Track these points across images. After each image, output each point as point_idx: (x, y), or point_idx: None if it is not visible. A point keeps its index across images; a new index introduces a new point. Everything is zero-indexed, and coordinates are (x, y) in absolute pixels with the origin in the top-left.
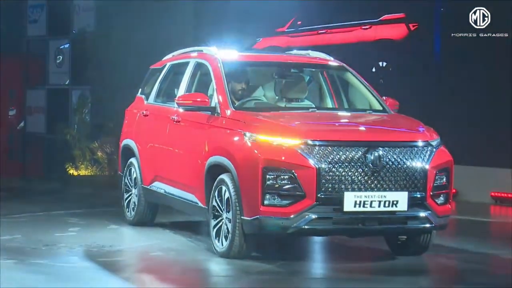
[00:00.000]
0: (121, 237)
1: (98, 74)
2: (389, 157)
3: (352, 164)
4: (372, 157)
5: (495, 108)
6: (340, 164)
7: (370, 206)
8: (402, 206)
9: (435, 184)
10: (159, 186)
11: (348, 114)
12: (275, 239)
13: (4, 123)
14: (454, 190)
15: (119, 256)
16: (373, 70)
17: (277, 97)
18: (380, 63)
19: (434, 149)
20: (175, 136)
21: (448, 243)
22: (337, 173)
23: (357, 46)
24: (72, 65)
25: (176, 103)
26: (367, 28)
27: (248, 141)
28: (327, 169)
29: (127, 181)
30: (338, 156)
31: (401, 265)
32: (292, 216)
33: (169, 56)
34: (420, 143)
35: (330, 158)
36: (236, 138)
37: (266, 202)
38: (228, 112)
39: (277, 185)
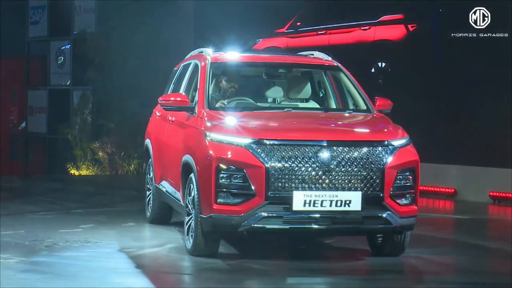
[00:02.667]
0: (122, 237)
1: (99, 75)
2: (342, 156)
3: (303, 163)
4: (323, 157)
5: (495, 108)
6: (290, 163)
7: (321, 205)
8: (356, 206)
9: (396, 184)
10: (163, 185)
11: (322, 114)
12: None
13: (5, 124)
14: (452, 190)
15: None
16: (372, 70)
17: (269, 97)
18: (379, 64)
19: (396, 149)
20: (169, 135)
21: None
22: (287, 172)
23: (356, 47)
24: (73, 66)
25: (159, 102)
26: (366, 29)
27: (207, 140)
28: (276, 168)
29: (148, 180)
30: (289, 155)
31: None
32: (242, 214)
33: (187, 56)
34: (377, 143)
35: (280, 157)
36: (199, 138)
37: (219, 200)
38: (202, 112)
39: (229, 184)
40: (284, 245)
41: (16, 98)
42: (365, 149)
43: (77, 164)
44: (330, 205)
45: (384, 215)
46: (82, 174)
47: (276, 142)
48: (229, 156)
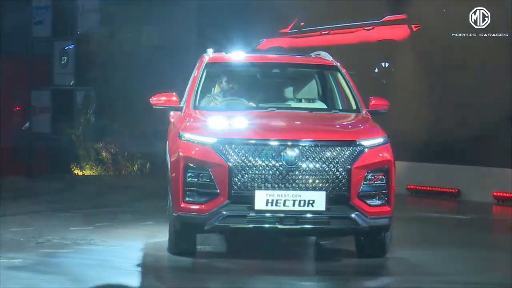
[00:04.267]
0: (126, 236)
1: (102, 75)
2: (306, 156)
3: (266, 163)
4: (287, 156)
5: (500, 109)
6: (253, 163)
7: (284, 205)
8: (319, 206)
9: (365, 185)
10: None
11: (304, 114)
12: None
13: (9, 124)
14: (456, 190)
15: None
16: (376, 70)
17: (268, 97)
18: (383, 64)
19: (365, 149)
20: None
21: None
22: (250, 171)
23: (359, 47)
24: (76, 66)
25: (150, 102)
26: (369, 29)
27: (180, 140)
28: (239, 167)
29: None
30: (252, 154)
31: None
32: (207, 213)
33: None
34: (344, 143)
35: (244, 156)
36: (175, 138)
37: (186, 199)
38: (186, 112)
39: (196, 183)
40: (276, 245)
41: (20, 98)
42: (330, 149)
43: (81, 164)
44: (293, 205)
45: (351, 216)
46: (85, 174)
47: (239, 142)
48: (196, 155)
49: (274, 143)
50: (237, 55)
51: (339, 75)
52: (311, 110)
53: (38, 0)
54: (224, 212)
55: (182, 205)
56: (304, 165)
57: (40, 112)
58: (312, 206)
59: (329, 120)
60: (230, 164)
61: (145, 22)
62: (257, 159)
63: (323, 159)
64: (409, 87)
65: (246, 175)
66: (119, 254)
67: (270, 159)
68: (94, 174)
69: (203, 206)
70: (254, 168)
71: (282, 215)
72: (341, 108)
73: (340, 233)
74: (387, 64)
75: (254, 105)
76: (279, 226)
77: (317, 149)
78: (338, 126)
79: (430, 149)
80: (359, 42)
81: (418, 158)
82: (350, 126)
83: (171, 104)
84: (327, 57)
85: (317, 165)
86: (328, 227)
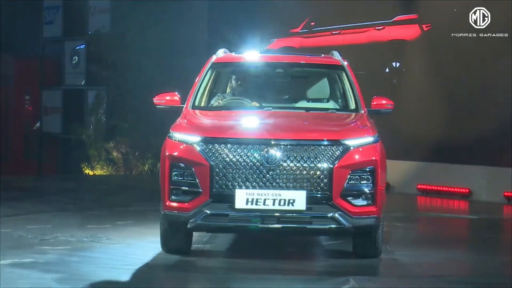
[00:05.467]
0: (135, 236)
1: (113, 75)
2: (287, 155)
3: (247, 161)
4: (268, 156)
5: (510, 108)
6: (234, 162)
7: (264, 204)
8: (300, 205)
9: (349, 184)
10: None
11: (298, 113)
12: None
13: (20, 124)
14: (467, 190)
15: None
16: (387, 70)
17: (273, 97)
18: (394, 64)
19: (349, 149)
20: None
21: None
22: (231, 170)
23: (370, 47)
24: (87, 66)
25: (154, 102)
26: (380, 29)
27: (168, 138)
28: (220, 166)
29: None
30: (233, 153)
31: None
32: (190, 212)
33: None
34: (326, 142)
35: (225, 155)
36: (166, 136)
37: (172, 197)
38: (184, 111)
39: (180, 181)
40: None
41: (31, 98)
42: (311, 149)
43: (92, 164)
44: (273, 204)
45: (332, 215)
46: (96, 174)
47: (220, 140)
48: (180, 154)
49: (255, 142)
50: (245, 55)
51: (344, 74)
52: (308, 109)
53: (48, 0)
54: (206, 211)
55: (167, 203)
56: (284, 164)
57: (51, 112)
58: (293, 205)
59: (319, 119)
60: (212, 163)
61: (156, 22)
62: (237, 158)
63: (304, 158)
64: (420, 87)
65: (227, 174)
66: (134, 254)
67: (251, 158)
68: (105, 174)
69: (187, 204)
70: (235, 167)
71: (264, 214)
72: (340, 107)
73: (323, 233)
74: (398, 64)
75: (258, 105)
76: (260, 225)
77: (298, 148)
78: (324, 125)
79: (441, 149)
80: (370, 42)
81: (429, 157)
82: (337, 126)
83: (173, 104)
84: (336, 56)
85: (298, 165)
86: (310, 227)
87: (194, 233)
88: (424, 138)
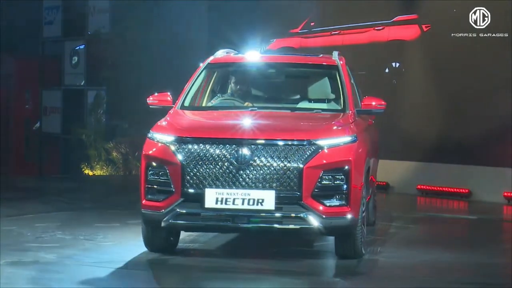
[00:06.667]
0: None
1: (113, 75)
2: (257, 155)
3: (218, 161)
4: (238, 155)
5: (510, 108)
6: (204, 161)
7: (233, 203)
8: (268, 205)
9: (320, 184)
10: None
11: (280, 113)
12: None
13: (20, 124)
14: (467, 190)
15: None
16: (386, 70)
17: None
18: (393, 64)
19: (321, 149)
20: None
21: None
22: (201, 169)
23: (370, 47)
24: (87, 66)
25: (147, 102)
26: (380, 29)
27: (147, 138)
28: (191, 165)
29: None
30: (204, 153)
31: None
32: (163, 210)
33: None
34: (298, 142)
35: (196, 155)
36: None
37: (148, 196)
38: (171, 111)
39: (155, 181)
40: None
41: (31, 98)
42: (282, 149)
43: (91, 164)
44: (242, 203)
45: (301, 215)
46: (96, 174)
47: (192, 140)
48: (155, 153)
49: (225, 142)
50: (242, 56)
51: (337, 74)
52: (293, 110)
53: (48, 0)
54: (178, 210)
55: (144, 202)
56: (254, 164)
57: (51, 112)
58: (261, 205)
59: (298, 120)
60: (183, 162)
61: (156, 22)
62: (209, 157)
63: (273, 158)
64: (420, 87)
65: (198, 173)
66: (132, 255)
67: (222, 158)
68: (105, 174)
69: (160, 203)
70: (205, 166)
71: (234, 213)
72: (328, 107)
73: (295, 233)
74: (398, 64)
75: (251, 105)
76: (231, 225)
77: (268, 148)
78: (299, 126)
79: (441, 149)
80: (370, 43)
81: (429, 158)
82: (313, 126)
83: (165, 104)
84: (333, 56)
85: (267, 164)
86: (281, 227)
87: (192, 233)
88: (424, 138)
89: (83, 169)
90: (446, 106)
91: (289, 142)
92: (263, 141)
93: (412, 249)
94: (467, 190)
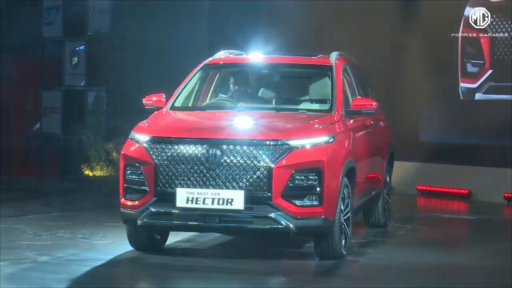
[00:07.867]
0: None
1: (113, 75)
2: (227, 155)
3: (189, 160)
4: (208, 155)
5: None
6: (176, 161)
7: (203, 203)
8: (238, 204)
9: (291, 184)
10: None
11: (259, 114)
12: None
13: (20, 124)
14: (467, 191)
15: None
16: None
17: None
18: (393, 64)
19: (292, 149)
20: None
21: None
22: (173, 169)
23: (369, 47)
24: (87, 67)
25: (143, 103)
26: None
27: (128, 138)
28: (164, 164)
29: None
30: (176, 152)
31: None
32: (138, 210)
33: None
34: (267, 142)
35: (168, 154)
36: None
37: (126, 195)
38: (158, 111)
39: (132, 180)
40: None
41: (31, 98)
42: (252, 148)
43: (91, 165)
44: (212, 203)
45: (271, 215)
46: (96, 175)
47: (165, 140)
48: (132, 153)
49: (196, 142)
50: (239, 57)
51: (330, 74)
52: (278, 110)
53: (48, 0)
54: (151, 209)
55: (122, 201)
56: (224, 164)
57: (51, 112)
58: (231, 205)
59: (276, 120)
60: (156, 162)
61: (156, 23)
62: (181, 156)
63: (243, 158)
64: (420, 87)
65: (170, 173)
66: (133, 255)
67: (193, 157)
68: (105, 174)
69: (136, 202)
70: (177, 166)
71: (205, 213)
72: (314, 108)
73: (267, 233)
74: (397, 64)
75: (244, 105)
76: (203, 224)
77: (238, 148)
78: (273, 126)
79: (441, 150)
80: (369, 43)
81: (429, 158)
82: (288, 126)
83: (160, 104)
84: (331, 57)
85: (237, 164)
86: (251, 227)
87: (192, 233)
88: (424, 139)
89: (83, 170)
90: (446, 106)
91: (260, 142)
92: (233, 141)
93: (412, 249)
94: (467, 191)
